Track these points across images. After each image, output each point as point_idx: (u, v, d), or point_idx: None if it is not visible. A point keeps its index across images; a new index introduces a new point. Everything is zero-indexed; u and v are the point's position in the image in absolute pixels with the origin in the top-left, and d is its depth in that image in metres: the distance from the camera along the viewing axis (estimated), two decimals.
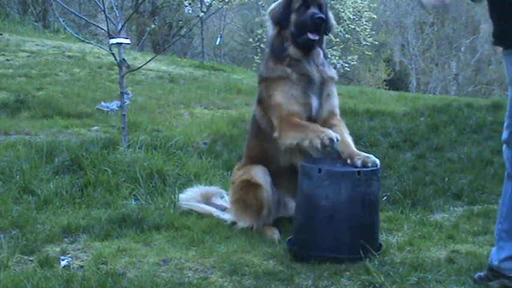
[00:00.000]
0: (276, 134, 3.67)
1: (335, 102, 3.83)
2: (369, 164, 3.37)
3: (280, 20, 3.73)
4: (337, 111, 3.84)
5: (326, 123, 3.72)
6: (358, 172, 3.32)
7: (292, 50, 3.71)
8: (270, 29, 3.85)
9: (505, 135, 2.96)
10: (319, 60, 3.76)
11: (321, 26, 3.68)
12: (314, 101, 3.70)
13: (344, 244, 3.31)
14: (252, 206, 3.88)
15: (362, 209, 3.32)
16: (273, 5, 3.87)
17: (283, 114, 3.65)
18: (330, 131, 3.46)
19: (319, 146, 3.40)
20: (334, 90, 3.83)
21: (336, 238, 3.31)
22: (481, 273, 3.02)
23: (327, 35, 3.90)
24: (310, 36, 3.64)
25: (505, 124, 2.97)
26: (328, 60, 3.93)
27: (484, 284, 2.95)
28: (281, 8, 3.75)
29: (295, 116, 3.64)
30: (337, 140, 3.41)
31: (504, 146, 2.98)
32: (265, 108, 3.81)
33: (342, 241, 3.31)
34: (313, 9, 3.67)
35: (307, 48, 3.71)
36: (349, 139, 3.66)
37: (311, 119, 3.70)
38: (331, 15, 3.89)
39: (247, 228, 3.92)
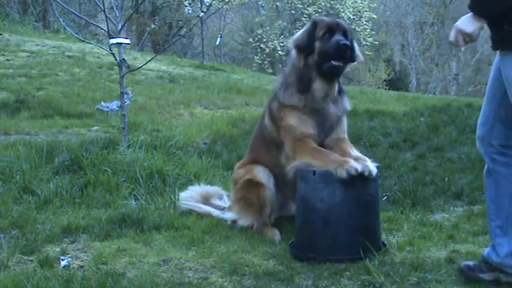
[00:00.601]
0: (288, 154, 3.65)
1: (344, 128, 3.80)
2: (365, 173, 3.35)
3: (304, 47, 3.63)
4: (345, 135, 3.80)
5: (333, 144, 3.71)
6: None
7: (318, 83, 3.62)
8: (294, 56, 3.73)
9: (481, 131, 2.99)
10: (334, 96, 3.69)
11: (346, 53, 3.57)
12: (322, 135, 3.68)
13: (341, 245, 3.32)
14: (254, 205, 3.89)
15: (357, 210, 3.33)
16: (297, 34, 3.79)
17: (297, 135, 3.62)
18: (353, 162, 3.38)
19: (344, 175, 3.31)
20: (344, 120, 3.81)
21: (333, 240, 3.33)
22: (470, 263, 3.04)
23: (353, 62, 3.76)
24: (334, 63, 3.54)
25: (481, 121, 3.00)
26: (344, 91, 3.84)
27: (473, 275, 2.98)
28: (306, 35, 3.66)
29: (308, 137, 3.62)
30: (361, 171, 3.34)
31: (478, 142, 3.02)
32: (277, 125, 3.77)
33: (338, 243, 3.32)
34: (338, 36, 3.57)
35: (332, 77, 3.63)
36: (350, 150, 3.66)
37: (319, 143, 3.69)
38: (356, 45, 3.78)
39: (247, 227, 3.93)
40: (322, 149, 3.60)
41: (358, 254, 3.27)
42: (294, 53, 3.73)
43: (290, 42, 3.79)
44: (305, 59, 3.65)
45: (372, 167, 3.40)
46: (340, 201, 3.31)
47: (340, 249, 3.31)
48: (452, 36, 2.81)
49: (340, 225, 3.32)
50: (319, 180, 3.34)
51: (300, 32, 3.79)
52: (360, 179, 3.32)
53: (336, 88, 3.72)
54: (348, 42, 3.56)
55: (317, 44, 3.60)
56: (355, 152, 3.64)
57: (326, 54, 3.56)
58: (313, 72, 3.63)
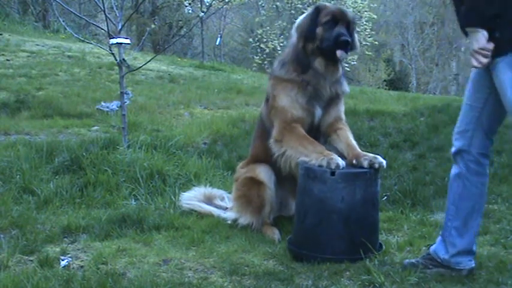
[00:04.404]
0: (275, 136, 3.69)
1: (341, 108, 3.84)
2: (376, 165, 3.39)
3: (307, 33, 3.64)
4: (343, 116, 3.86)
5: (331, 127, 3.76)
6: (369, 172, 3.37)
7: (318, 62, 3.64)
8: (294, 39, 3.75)
9: (460, 141, 3.01)
10: (336, 76, 3.71)
11: (346, 47, 3.57)
12: (318, 111, 3.72)
13: (358, 244, 3.32)
14: (254, 203, 3.91)
15: (372, 208, 3.40)
16: (300, 19, 3.79)
17: (287, 118, 3.66)
18: (337, 157, 3.42)
19: (324, 165, 3.37)
20: (341, 99, 3.83)
21: (352, 239, 3.33)
22: (413, 260, 3.14)
23: (351, 51, 3.79)
24: (338, 53, 3.55)
25: (460, 130, 3.01)
26: (344, 73, 3.86)
27: (421, 271, 3.05)
28: (308, 21, 3.66)
29: (298, 121, 3.65)
30: (342, 168, 3.38)
31: (455, 150, 3.04)
32: (270, 108, 3.82)
33: (356, 242, 3.32)
34: (339, 28, 3.56)
35: (333, 61, 3.65)
36: (354, 142, 3.69)
37: (313, 125, 3.73)
38: (356, 36, 3.79)
39: (247, 225, 3.93)
40: (309, 137, 3.62)
41: (378, 250, 3.36)
42: (295, 37, 3.75)
43: (293, 27, 3.81)
44: (306, 44, 3.66)
45: (380, 158, 3.44)
46: (361, 200, 3.33)
47: (357, 248, 3.30)
48: (473, 62, 2.79)
49: (359, 223, 3.34)
50: (339, 179, 3.32)
51: (302, 17, 3.79)
52: (374, 175, 3.38)
53: (340, 69, 3.73)
54: (349, 39, 3.56)
55: (319, 31, 3.61)
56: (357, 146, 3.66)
57: (327, 44, 3.57)
58: (314, 56, 3.64)
